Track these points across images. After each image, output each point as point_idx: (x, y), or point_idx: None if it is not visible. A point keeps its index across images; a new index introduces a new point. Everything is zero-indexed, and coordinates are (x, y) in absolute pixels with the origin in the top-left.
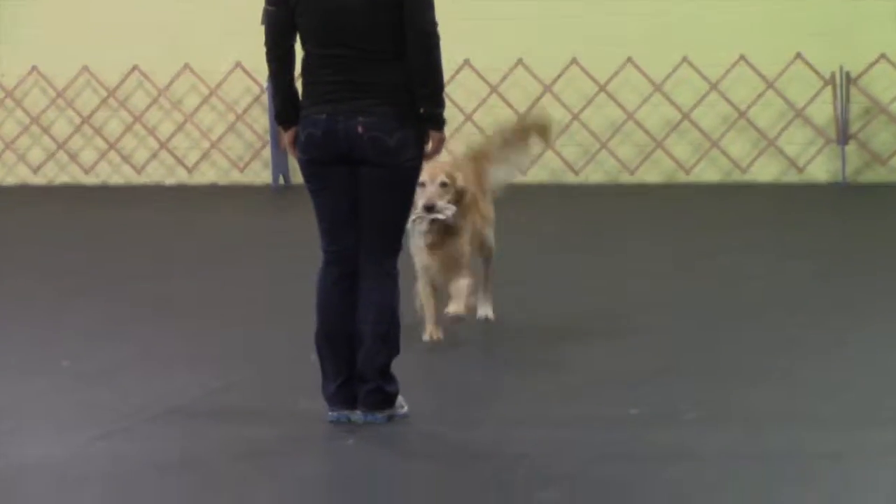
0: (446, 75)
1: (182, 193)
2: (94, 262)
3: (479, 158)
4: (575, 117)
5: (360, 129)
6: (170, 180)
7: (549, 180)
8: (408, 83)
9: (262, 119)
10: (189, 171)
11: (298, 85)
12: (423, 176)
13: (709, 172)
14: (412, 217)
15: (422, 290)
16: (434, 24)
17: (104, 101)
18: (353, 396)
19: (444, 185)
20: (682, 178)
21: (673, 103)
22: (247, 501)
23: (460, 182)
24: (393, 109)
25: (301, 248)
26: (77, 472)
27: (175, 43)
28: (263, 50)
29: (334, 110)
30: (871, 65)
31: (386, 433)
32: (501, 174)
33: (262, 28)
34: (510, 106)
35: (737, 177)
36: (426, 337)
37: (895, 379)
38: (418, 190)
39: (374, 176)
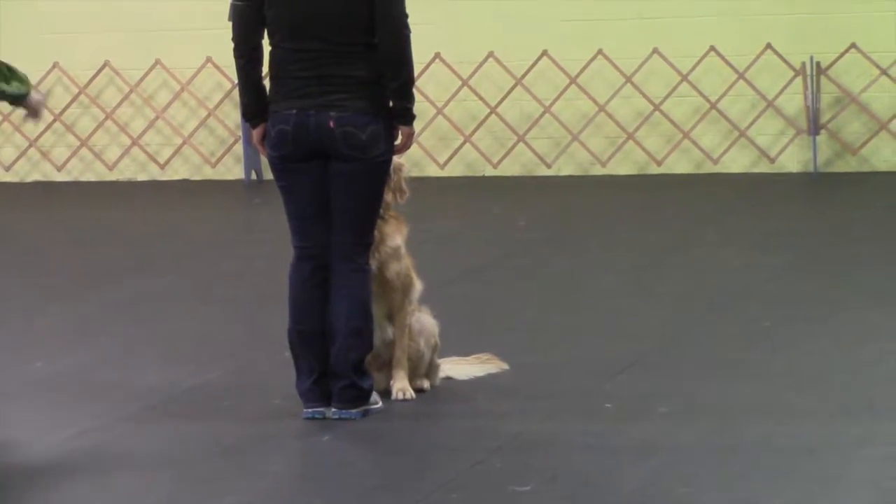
0: (417, 68)
1: (154, 190)
2: (68, 261)
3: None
4: (546, 110)
5: (331, 124)
6: (142, 177)
7: (521, 173)
8: (378, 77)
9: (233, 114)
10: (161, 167)
11: (266, 81)
12: None
13: (680, 164)
14: None
15: None
16: (405, 16)
17: (75, 97)
18: (327, 393)
19: None
20: (653, 169)
21: (644, 95)
22: (222, 498)
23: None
24: (364, 104)
25: (274, 244)
26: (52, 472)
27: (145, 39)
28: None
29: (305, 105)
30: (842, 54)
31: (361, 429)
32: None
33: (230, 23)
34: (481, 99)
35: (708, 168)
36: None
37: (867, 372)
38: None
39: (345, 170)
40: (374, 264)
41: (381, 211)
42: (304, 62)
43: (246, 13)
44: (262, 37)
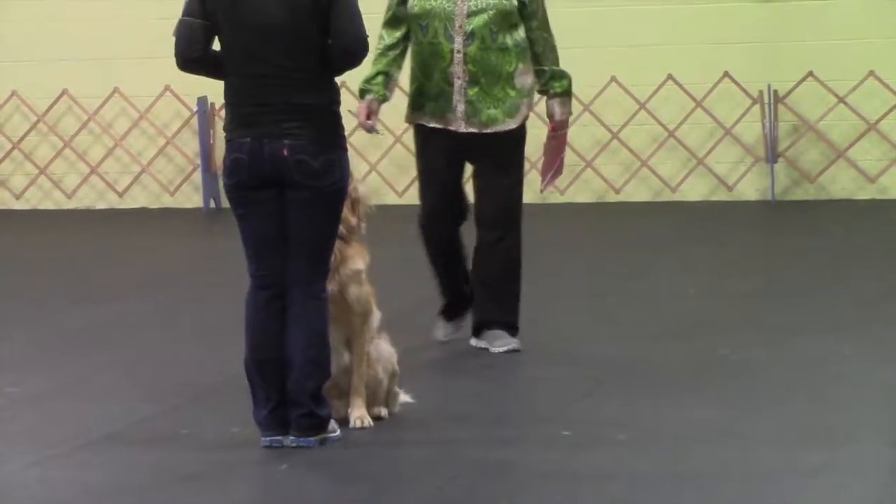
0: None
1: (113, 218)
2: (26, 289)
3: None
4: None
5: (285, 152)
6: (101, 205)
7: None
8: (331, 103)
9: (192, 142)
10: (120, 195)
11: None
12: None
13: (639, 192)
14: None
15: None
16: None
17: (34, 126)
18: (285, 421)
19: None
20: (612, 197)
21: (602, 123)
22: None
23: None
24: (317, 132)
25: (232, 272)
26: (10, 500)
27: (104, 67)
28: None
29: (259, 133)
30: (799, 82)
31: (319, 457)
32: None
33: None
34: None
35: (666, 196)
36: None
37: (825, 398)
38: None
39: (299, 199)
40: (333, 286)
41: (344, 232)
42: (256, 88)
43: (186, 26)
44: (203, 51)
